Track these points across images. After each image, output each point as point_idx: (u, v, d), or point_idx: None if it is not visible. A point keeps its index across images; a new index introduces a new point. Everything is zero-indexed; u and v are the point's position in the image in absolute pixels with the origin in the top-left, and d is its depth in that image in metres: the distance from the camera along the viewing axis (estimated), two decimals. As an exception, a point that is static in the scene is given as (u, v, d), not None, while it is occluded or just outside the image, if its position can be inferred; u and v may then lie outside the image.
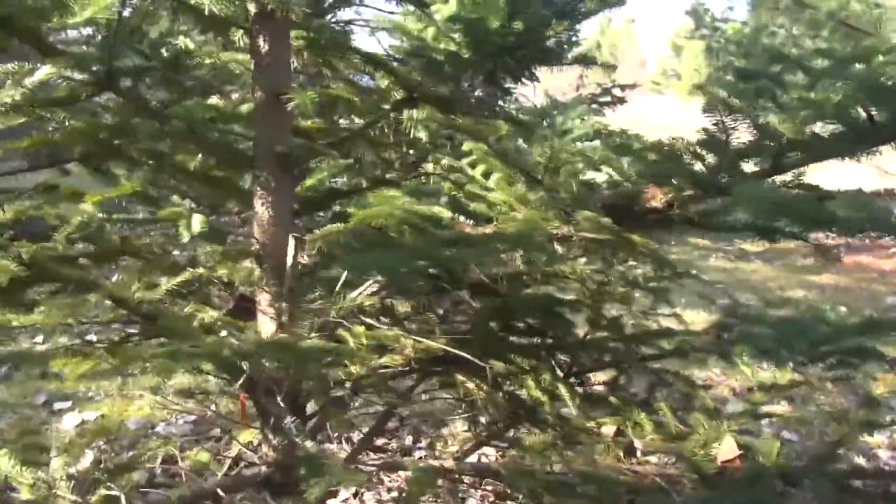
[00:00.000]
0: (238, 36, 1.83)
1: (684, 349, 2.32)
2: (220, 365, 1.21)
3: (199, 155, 1.77)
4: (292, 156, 1.61)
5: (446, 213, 1.38)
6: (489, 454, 3.05)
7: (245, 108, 2.27)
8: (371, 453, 2.93)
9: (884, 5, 5.09)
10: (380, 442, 3.11)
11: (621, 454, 1.66)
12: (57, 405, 3.44)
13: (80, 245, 1.86)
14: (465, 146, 2.40)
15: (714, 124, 1.40)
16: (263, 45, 1.57)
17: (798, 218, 0.94)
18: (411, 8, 2.21)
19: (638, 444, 1.68)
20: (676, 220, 1.48)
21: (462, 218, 1.42)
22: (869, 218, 0.99)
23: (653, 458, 1.71)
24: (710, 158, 1.61)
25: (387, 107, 1.75)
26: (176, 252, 2.50)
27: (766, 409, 2.22)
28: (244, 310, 2.64)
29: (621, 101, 7.91)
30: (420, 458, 3.18)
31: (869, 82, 1.18)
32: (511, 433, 2.71)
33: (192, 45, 1.95)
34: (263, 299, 1.72)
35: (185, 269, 1.96)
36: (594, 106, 6.84)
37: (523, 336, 2.41)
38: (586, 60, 1.83)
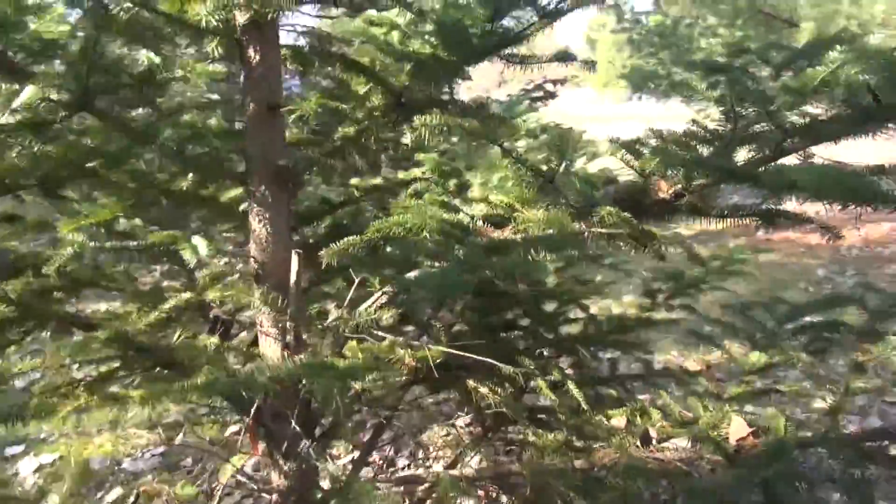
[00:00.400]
0: (212, 46, 1.75)
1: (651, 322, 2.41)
2: (260, 390, 1.15)
3: (188, 174, 1.68)
4: (291, 169, 1.54)
5: (467, 219, 1.36)
6: (484, 458, 3.04)
7: (213, 121, 2.18)
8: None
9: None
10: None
11: (639, 444, 1.67)
12: (8, 450, 3.21)
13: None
14: (419, 156, 2.37)
15: (723, 112, 1.44)
16: (255, 56, 1.50)
17: (853, 195, 0.97)
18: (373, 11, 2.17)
19: (653, 432, 1.71)
20: (683, 210, 1.51)
21: (480, 222, 1.40)
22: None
23: (667, 445, 1.74)
24: (702, 149, 1.65)
25: (377, 113, 1.71)
26: (143, 279, 2.37)
27: (734, 389, 2.30)
28: (222, 332, 2.53)
29: (553, 95, 8.04)
30: (405, 467, 3.14)
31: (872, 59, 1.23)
32: (491, 436, 2.72)
33: (156, 59, 1.86)
34: (265, 321, 1.65)
35: (167, 295, 1.87)
36: (527, 102, 6.94)
37: (509, 332, 2.41)
38: (567, 57, 1.83)
